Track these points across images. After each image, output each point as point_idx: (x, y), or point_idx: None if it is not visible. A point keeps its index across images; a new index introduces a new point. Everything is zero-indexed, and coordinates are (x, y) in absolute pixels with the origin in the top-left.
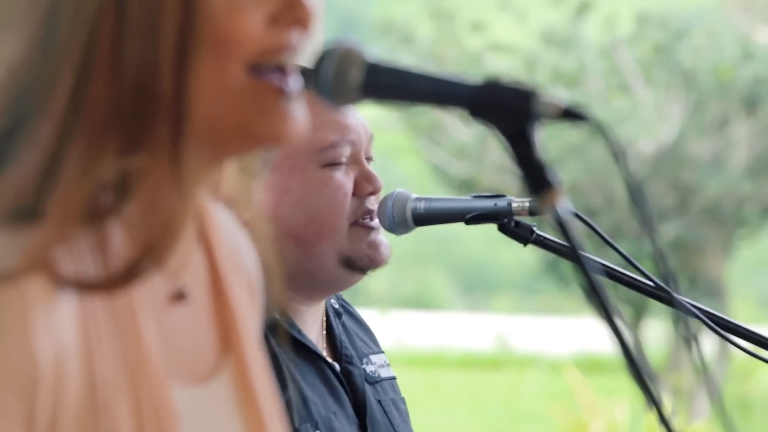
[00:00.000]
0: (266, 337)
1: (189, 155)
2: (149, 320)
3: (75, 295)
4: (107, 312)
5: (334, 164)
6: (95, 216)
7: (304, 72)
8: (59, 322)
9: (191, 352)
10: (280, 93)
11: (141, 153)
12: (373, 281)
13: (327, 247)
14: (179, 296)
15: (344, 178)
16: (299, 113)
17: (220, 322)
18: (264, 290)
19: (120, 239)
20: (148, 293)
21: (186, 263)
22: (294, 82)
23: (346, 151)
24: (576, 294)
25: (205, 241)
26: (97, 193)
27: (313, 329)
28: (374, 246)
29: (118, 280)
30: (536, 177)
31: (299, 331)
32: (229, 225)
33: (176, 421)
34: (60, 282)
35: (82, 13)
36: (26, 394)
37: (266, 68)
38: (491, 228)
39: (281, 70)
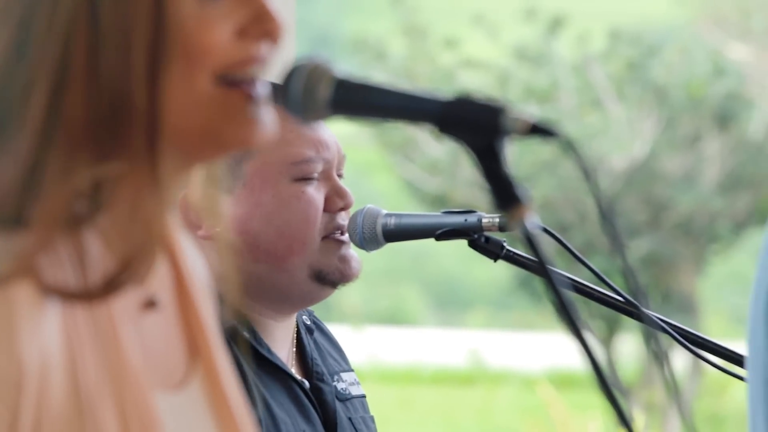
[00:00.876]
0: (233, 355)
1: (164, 163)
2: (127, 327)
3: (58, 302)
4: (87, 319)
5: (306, 179)
6: (73, 224)
7: (274, 87)
8: (44, 329)
9: (164, 358)
10: (248, 99)
11: (117, 161)
12: (346, 297)
13: (298, 261)
14: (150, 304)
15: (316, 193)
16: (267, 119)
17: (188, 329)
18: (219, 303)
19: (97, 249)
20: (122, 301)
21: (155, 271)
22: (262, 89)
23: (318, 167)
24: (549, 310)
25: (168, 248)
26: (75, 201)
27: (283, 346)
28: (345, 260)
29: (99, 291)
30: (505, 192)
31: (268, 350)
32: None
33: (160, 427)
34: (45, 289)
35: (56, 23)
36: (10, 399)
37: (235, 79)
38: (464, 244)
39: (249, 80)
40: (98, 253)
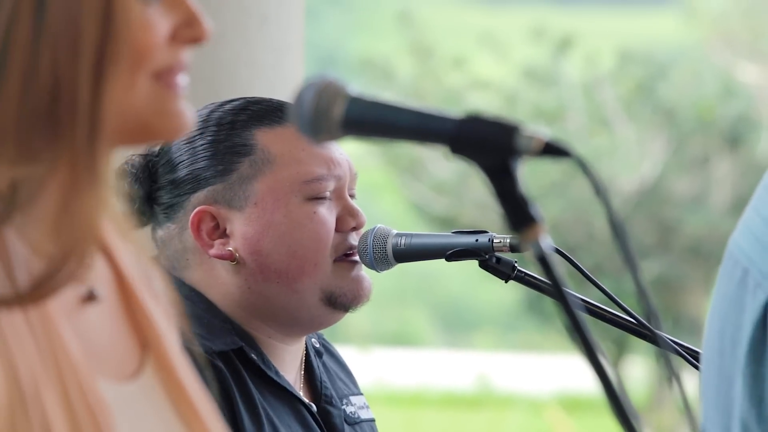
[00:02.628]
0: (240, 376)
1: (103, 160)
2: (65, 319)
3: None
4: (22, 313)
5: (317, 198)
6: None
7: (286, 107)
8: None
9: (111, 350)
10: (177, 94)
11: (47, 159)
12: (354, 319)
13: (309, 282)
14: (90, 297)
15: (328, 213)
16: (190, 111)
17: (134, 322)
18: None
19: (23, 249)
20: (59, 295)
21: (92, 266)
22: (183, 81)
23: (330, 185)
24: (557, 331)
25: (103, 245)
26: None
27: (291, 368)
28: (357, 282)
29: (31, 294)
30: (517, 213)
31: (276, 372)
32: (129, 246)
33: (108, 411)
34: None
35: None
36: None
37: (165, 78)
38: (472, 265)
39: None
40: (24, 253)
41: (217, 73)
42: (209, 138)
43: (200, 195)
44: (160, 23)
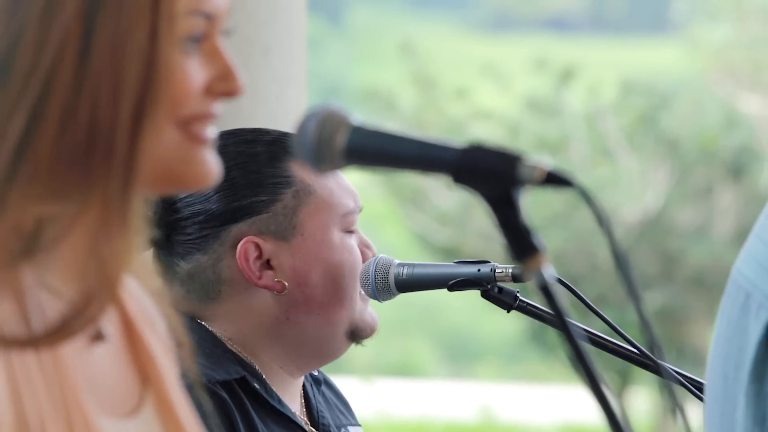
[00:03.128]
0: (242, 405)
1: (132, 203)
2: (73, 357)
3: None
4: (32, 353)
5: (351, 231)
6: (11, 260)
7: (290, 137)
8: None
9: (113, 387)
10: (202, 142)
11: (82, 200)
12: (356, 349)
13: (344, 315)
14: (98, 336)
15: (356, 246)
16: (215, 160)
17: (136, 360)
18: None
19: (37, 291)
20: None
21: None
22: (212, 131)
23: (357, 218)
24: (561, 362)
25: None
26: (15, 237)
27: (293, 398)
28: (373, 315)
29: (51, 337)
30: (520, 243)
31: (279, 401)
32: (134, 284)
33: None
34: None
35: (42, 59)
36: None
37: (192, 127)
38: (474, 295)
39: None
40: (41, 294)
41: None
42: (250, 169)
43: (242, 226)
44: (198, 74)
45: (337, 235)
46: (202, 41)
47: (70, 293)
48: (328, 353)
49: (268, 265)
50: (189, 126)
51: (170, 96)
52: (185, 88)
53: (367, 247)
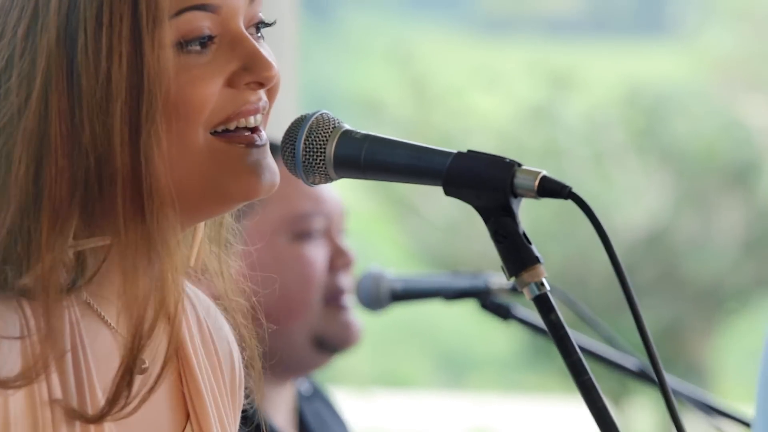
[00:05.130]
0: None
1: (159, 226)
2: (101, 379)
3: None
4: None
5: (305, 236)
6: (62, 297)
7: (276, 146)
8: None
9: (152, 421)
10: (247, 148)
11: (106, 229)
12: (350, 360)
13: (298, 325)
14: (142, 369)
15: (316, 252)
16: (270, 166)
17: (182, 392)
18: (249, 371)
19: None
20: (103, 355)
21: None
22: (261, 135)
23: (318, 223)
24: (559, 376)
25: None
26: (60, 274)
27: (280, 411)
28: (347, 326)
29: (105, 412)
30: (517, 254)
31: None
32: (207, 307)
33: None
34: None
35: (32, 91)
36: None
37: (232, 130)
38: (471, 307)
39: (249, 129)
40: (94, 326)
41: None
42: None
43: None
44: (212, 72)
45: (282, 242)
46: (218, 36)
47: (121, 327)
48: (297, 364)
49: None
50: (225, 130)
51: (177, 102)
52: (194, 90)
53: (341, 254)
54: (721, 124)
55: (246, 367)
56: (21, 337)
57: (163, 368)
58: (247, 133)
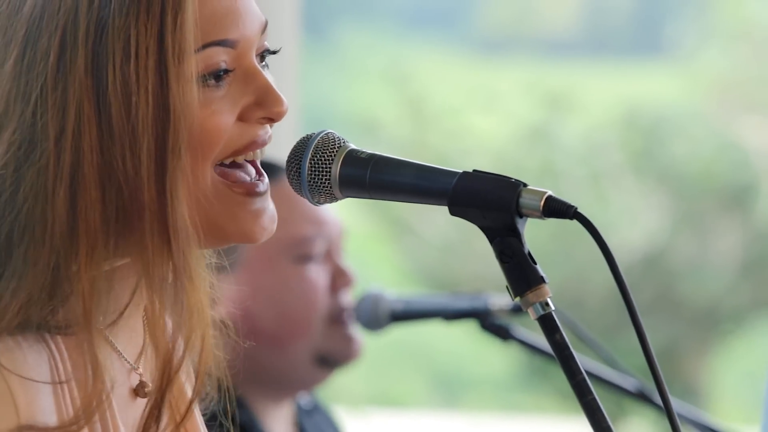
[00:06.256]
0: None
1: (185, 259)
2: (119, 410)
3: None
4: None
5: (307, 259)
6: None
7: (279, 166)
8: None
9: None
10: (250, 193)
11: (139, 257)
12: (344, 379)
13: (300, 345)
14: (141, 390)
15: (317, 274)
16: (268, 213)
17: (172, 414)
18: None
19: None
20: (119, 388)
21: (144, 356)
22: (264, 181)
23: (320, 246)
24: (558, 395)
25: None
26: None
27: (280, 425)
28: (348, 341)
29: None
30: (520, 274)
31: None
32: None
33: None
34: None
35: (66, 118)
36: None
37: (235, 163)
38: (466, 327)
39: (250, 164)
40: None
41: None
42: None
43: None
44: (226, 106)
45: (284, 264)
46: (234, 70)
47: (147, 366)
48: (299, 382)
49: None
50: (230, 165)
51: (197, 138)
52: (211, 123)
53: (342, 275)
54: (718, 146)
55: (208, 374)
56: (54, 383)
57: (191, 402)
58: (248, 180)
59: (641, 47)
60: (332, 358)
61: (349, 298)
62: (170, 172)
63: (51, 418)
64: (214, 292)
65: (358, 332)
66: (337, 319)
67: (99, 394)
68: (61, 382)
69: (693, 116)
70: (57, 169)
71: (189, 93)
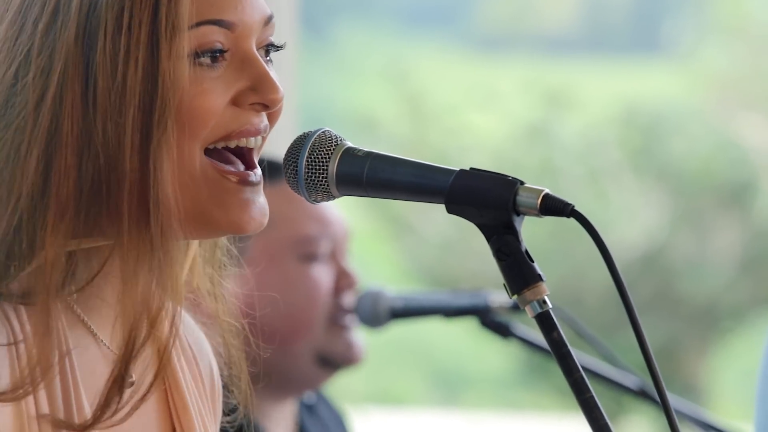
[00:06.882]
0: None
1: (163, 232)
2: (83, 381)
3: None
4: None
5: (311, 258)
6: (53, 299)
7: (275, 164)
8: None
9: None
10: (242, 183)
11: (107, 234)
12: (343, 378)
13: (303, 344)
14: (130, 383)
15: (321, 274)
16: (259, 204)
17: (167, 407)
18: (233, 388)
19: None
20: (82, 356)
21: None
22: (256, 172)
23: (324, 246)
24: (557, 393)
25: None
26: (59, 275)
27: (280, 426)
28: (350, 345)
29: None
30: (518, 271)
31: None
32: (186, 321)
33: None
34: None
35: (48, 89)
36: None
37: (227, 150)
38: (466, 325)
39: (243, 153)
40: (82, 332)
41: None
42: None
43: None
44: (220, 87)
45: (289, 262)
46: (230, 51)
47: (108, 338)
48: (301, 382)
49: None
50: (222, 151)
51: (186, 114)
52: (202, 102)
53: (345, 276)
54: (717, 144)
55: (231, 384)
56: (9, 344)
57: (156, 375)
58: (242, 168)
59: (640, 45)
60: (333, 359)
61: (351, 300)
62: (154, 143)
63: (3, 382)
64: (219, 289)
65: (360, 336)
66: (338, 321)
67: (47, 358)
68: (15, 343)
69: (692, 114)
70: (33, 132)
71: (179, 68)
